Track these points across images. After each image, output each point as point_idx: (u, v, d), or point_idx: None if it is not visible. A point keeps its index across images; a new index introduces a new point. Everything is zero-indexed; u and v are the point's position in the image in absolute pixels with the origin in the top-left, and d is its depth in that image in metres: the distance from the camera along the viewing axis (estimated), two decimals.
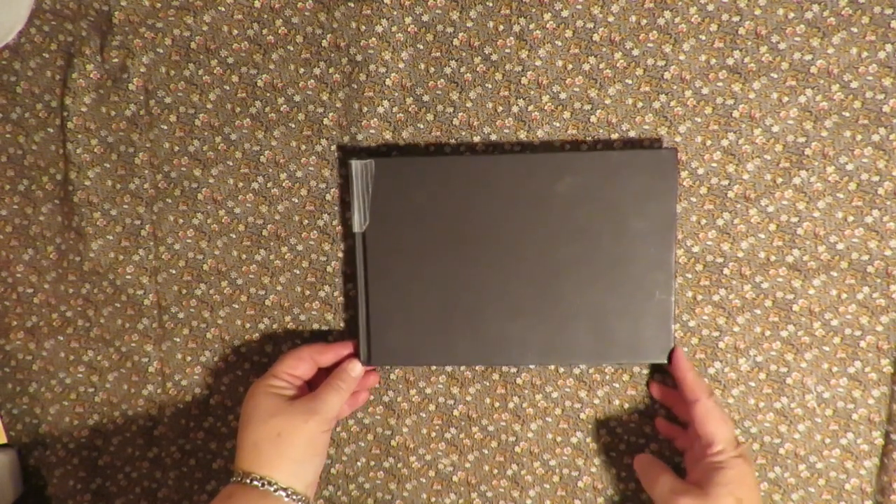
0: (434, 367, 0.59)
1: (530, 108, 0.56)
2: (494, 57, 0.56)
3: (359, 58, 0.56)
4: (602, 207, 0.53)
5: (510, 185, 0.54)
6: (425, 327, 0.55)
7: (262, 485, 0.48)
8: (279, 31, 0.57)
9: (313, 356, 0.55)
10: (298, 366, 0.54)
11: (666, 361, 0.54)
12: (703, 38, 0.54)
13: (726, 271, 0.56)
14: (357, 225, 0.55)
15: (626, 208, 0.53)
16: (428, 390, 0.59)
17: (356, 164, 0.54)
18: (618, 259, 0.54)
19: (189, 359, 0.60)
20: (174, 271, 0.60)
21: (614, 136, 0.56)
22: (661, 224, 0.53)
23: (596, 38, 0.55)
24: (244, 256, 0.59)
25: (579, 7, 0.55)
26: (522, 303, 0.55)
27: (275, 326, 0.60)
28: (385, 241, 0.55)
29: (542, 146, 0.56)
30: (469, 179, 0.54)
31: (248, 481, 0.49)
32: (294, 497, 0.49)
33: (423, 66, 0.57)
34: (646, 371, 0.58)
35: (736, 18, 0.54)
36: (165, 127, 0.58)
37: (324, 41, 0.57)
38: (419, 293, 0.55)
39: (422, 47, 0.56)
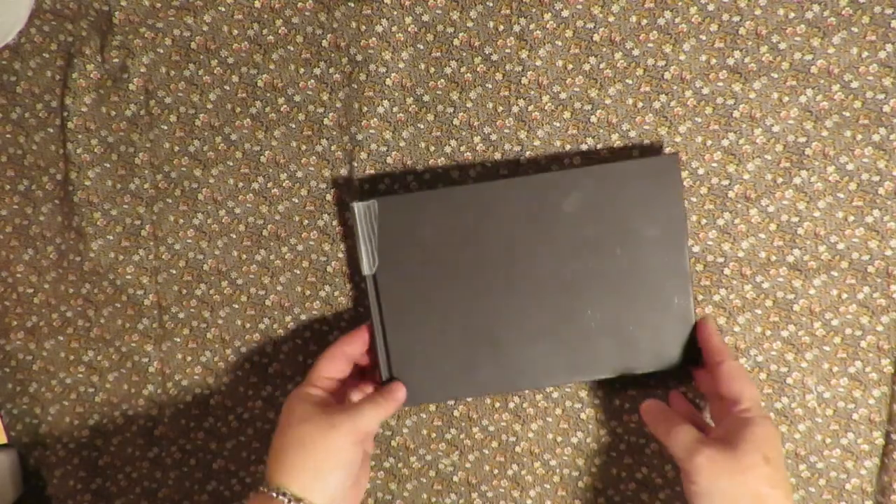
0: None
1: (530, 108, 0.56)
2: (495, 57, 0.56)
3: (359, 58, 0.56)
4: (610, 220, 0.53)
5: (515, 208, 0.53)
6: (448, 361, 0.54)
7: (276, 494, 0.46)
8: (279, 31, 0.57)
9: (344, 350, 0.54)
10: (331, 367, 0.53)
11: (695, 364, 0.54)
12: (704, 38, 0.54)
13: (727, 271, 0.56)
14: (366, 268, 0.53)
15: (634, 218, 0.53)
16: None
17: (359, 207, 0.53)
18: (632, 269, 0.53)
19: (189, 359, 0.60)
20: (174, 271, 0.60)
21: (614, 136, 0.56)
22: (671, 229, 0.53)
23: (596, 38, 0.55)
24: (244, 256, 0.59)
25: (579, 7, 0.55)
26: (542, 324, 0.54)
27: (275, 326, 0.60)
28: (397, 280, 0.54)
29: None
30: (473, 208, 0.53)
31: (264, 490, 0.47)
32: None
33: (423, 66, 0.57)
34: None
35: (736, 18, 0.54)
36: (165, 127, 0.58)
37: (324, 41, 0.57)
38: (438, 328, 0.54)
39: (422, 47, 0.56)
